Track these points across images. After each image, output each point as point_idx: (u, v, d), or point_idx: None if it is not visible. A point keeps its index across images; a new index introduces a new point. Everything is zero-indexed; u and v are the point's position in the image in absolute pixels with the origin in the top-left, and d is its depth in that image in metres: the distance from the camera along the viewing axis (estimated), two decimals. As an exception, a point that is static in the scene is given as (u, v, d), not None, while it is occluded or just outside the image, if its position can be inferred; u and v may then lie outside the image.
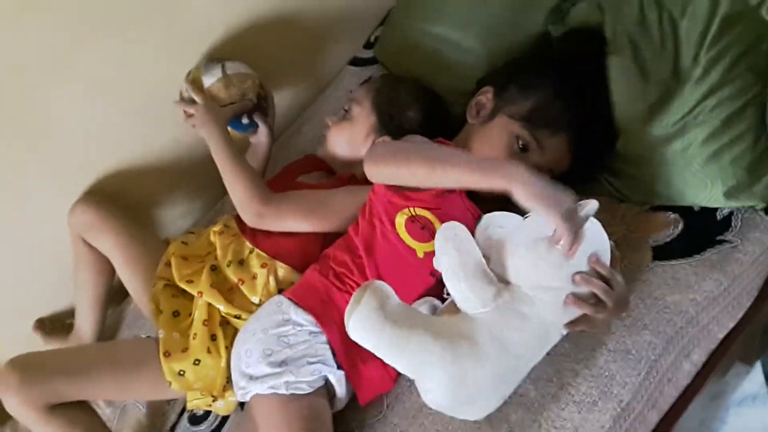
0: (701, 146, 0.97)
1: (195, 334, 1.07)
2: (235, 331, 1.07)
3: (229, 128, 1.21)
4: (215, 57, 1.27)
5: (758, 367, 1.40)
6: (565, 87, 1.03)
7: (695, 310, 0.95)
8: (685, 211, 1.02)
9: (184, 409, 1.18)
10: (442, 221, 0.98)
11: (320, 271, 1.03)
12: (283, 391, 0.94)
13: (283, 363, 0.95)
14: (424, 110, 1.20)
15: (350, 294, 0.99)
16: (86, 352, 1.15)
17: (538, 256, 0.85)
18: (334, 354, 0.99)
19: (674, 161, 0.99)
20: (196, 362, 1.05)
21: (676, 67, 0.98)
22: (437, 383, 0.86)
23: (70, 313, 1.40)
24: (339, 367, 0.98)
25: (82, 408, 1.10)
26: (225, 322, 1.09)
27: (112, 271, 1.28)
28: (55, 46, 1.16)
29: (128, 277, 1.24)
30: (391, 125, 1.18)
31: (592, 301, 0.85)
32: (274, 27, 1.38)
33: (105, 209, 1.26)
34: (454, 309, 0.88)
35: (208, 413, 1.16)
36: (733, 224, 0.99)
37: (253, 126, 1.28)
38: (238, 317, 1.08)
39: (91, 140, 1.28)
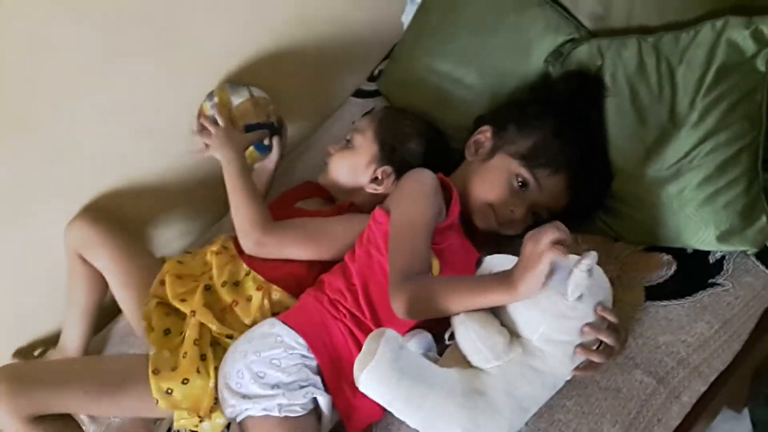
0: (696, 190, 0.99)
1: (185, 353, 1.06)
2: (224, 351, 1.06)
3: (251, 148, 1.23)
4: (237, 81, 1.30)
5: (746, 414, 1.40)
6: (564, 127, 1.06)
7: (686, 352, 0.96)
8: (679, 253, 1.04)
9: (170, 430, 1.17)
10: (441, 258, 1.00)
11: (315, 297, 1.04)
12: (276, 414, 0.94)
13: (275, 386, 0.95)
14: (425, 143, 1.22)
15: (343, 321, 1.00)
16: (75, 364, 1.14)
17: (544, 309, 0.84)
18: (322, 379, 0.99)
19: (669, 203, 1.01)
20: (185, 381, 1.04)
21: (673, 112, 1.01)
22: None
23: (50, 341, 1.39)
24: (327, 390, 0.98)
25: (67, 422, 1.09)
26: (215, 343, 1.08)
27: (105, 287, 1.27)
28: (65, 66, 1.18)
29: (122, 294, 1.23)
30: (393, 156, 1.19)
31: (595, 347, 0.86)
32: (280, 57, 1.41)
33: (102, 226, 1.26)
34: (461, 360, 0.87)
35: (194, 434, 1.14)
36: (725, 268, 1.01)
37: (269, 150, 1.29)
38: (230, 337, 1.07)
39: (95, 158, 1.29)
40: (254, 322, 1.07)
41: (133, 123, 1.29)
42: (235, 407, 0.97)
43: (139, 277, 1.21)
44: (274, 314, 1.07)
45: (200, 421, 1.07)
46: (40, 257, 1.31)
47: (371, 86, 1.52)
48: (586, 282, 0.81)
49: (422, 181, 1.04)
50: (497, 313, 0.88)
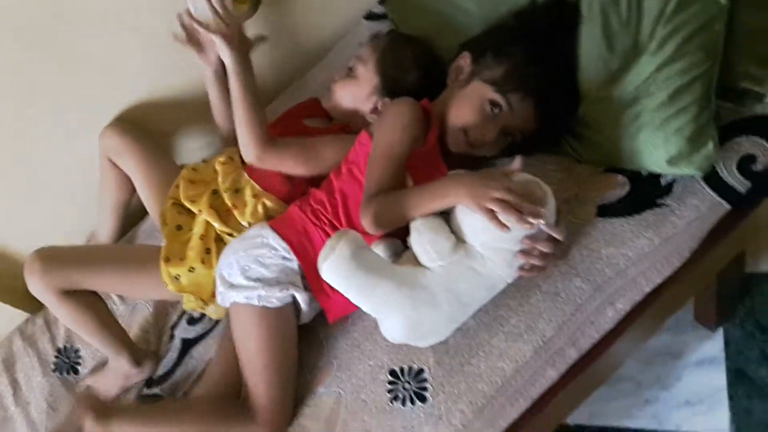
0: (650, 115, 1.04)
1: (192, 246, 1.23)
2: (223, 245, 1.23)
3: None
4: None
5: (720, 333, 1.48)
6: (536, 54, 1.11)
7: (625, 264, 1.05)
8: (634, 175, 1.10)
9: (183, 312, 1.37)
10: (415, 178, 1.11)
11: (300, 207, 1.17)
12: (255, 303, 1.10)
13: (257, 279, 1.11)
14: (423, 76, 1.28)
15: (323, 229, 1.14)
16: (101, 249, 1.34)
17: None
18: (303, 277, 1.13)
19: (626, 127, 1.07)
20: (191, 270, 1.22)
21: (636, 40, 1.05)
22: (397, 325, 0.99)
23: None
24: (306, 289, 1.13)
25: (94, 298, 1.29)
26: (219, 239, 1.25)
27: (132, 188, 1.44)
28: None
29: (146, 195, 1.40)
30: (394, 87, 1.26)
31: (536, 252, 0.97)
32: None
33: (131, 135, 1.41)
34: (415, 260, 1.00)
35: (203, 316, 1.34)
36: (674, 189, 1.07)
37: None
38: (230, 235, 1.23)
39: (124, 70, 1.42)
40: (250, 224, 1.23)
41: (160, 39, 1.38)
42: (223, 294, 1.14)
43: (161, 182, 1.37)
44: (268, 218, 1.22)
45: (205, 305, 1.25)
46: (77, 163, 1.48)
47: (381, 9, 1.58)
48: None
49: (403, 110, 1.13)
50: (449, 221, 1.00)
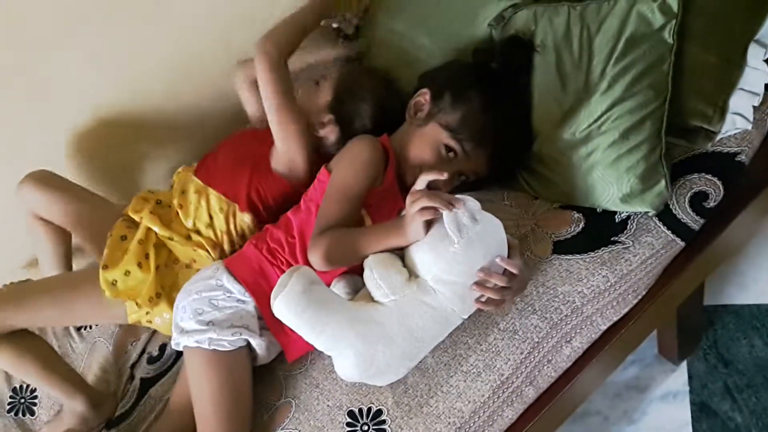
0: (603, 153, 1.06)
1: (130, 249, 1.23)
2: (169, 252, 1.25)
3: None
4: None
5: (684, 367, 1.48)
6: (491, 102, 1.13)
7: (581, 301, 1.05)
8: (589, 212, 1.11)
9: (143, 351, 1.34)
10: (373, 217, 1.11)
11: (256, 245, 1.16)
12: (206, 346, 1.08)
13: (210, 323, 1.09)
14: (376, 108, 1.28)
15: (280, 268, 1.12)
16: (33, 282, 1.31)
17: (438, 254, 0.95)
18: (260, 318, 1.12)
19: (579, 165, 1.08)
20: (127, 273, 1.21)
21: (587, 79, 1.07)
22: (349, 362, 0.97)
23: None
24: (261, 333, 1.11)
25: (34, 339, 1.27)
26: (161, 245, 1.25)
27: (68, 237, 1.41)
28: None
29: (86, 238, 1.36)
30: (341, 110, 1.28)
31: (490, 285, 0.96)
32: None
33: (51, 183, 1.35)
34: (369, 296, 0.99)
35: (161, 354, 1.31)
36: (628, 227, 1.08)
37: None
38: (171, 239, 1.24)
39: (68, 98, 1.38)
40: (193, 224, 1.25)
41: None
42: (176, 339, 1.12)
43: (97, 219, 1.33)
44: (209, 218, 1.24)
45: (147, 314, 1.23)
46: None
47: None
48: (469, 227, 0.92)
49: (364, 149, 1.13)
50: (403, 256, 1.00)
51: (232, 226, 1.26)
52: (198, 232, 1.25)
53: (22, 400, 1.38)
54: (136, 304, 1.21)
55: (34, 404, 1.36)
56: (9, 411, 1.37)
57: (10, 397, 1.39)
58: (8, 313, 1.21)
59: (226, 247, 1.26)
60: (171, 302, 1.20)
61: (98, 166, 1.48)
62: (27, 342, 1.25)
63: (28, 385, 1.38)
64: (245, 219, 1.25)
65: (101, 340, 1.39)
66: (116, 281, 1.21)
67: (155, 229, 1.25)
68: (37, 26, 1.29)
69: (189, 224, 1.25)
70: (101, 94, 1.42)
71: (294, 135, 1.22)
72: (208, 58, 1.48)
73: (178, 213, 1.27)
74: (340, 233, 1.02)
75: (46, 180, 1.35)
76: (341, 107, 1.29)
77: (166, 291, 1.23)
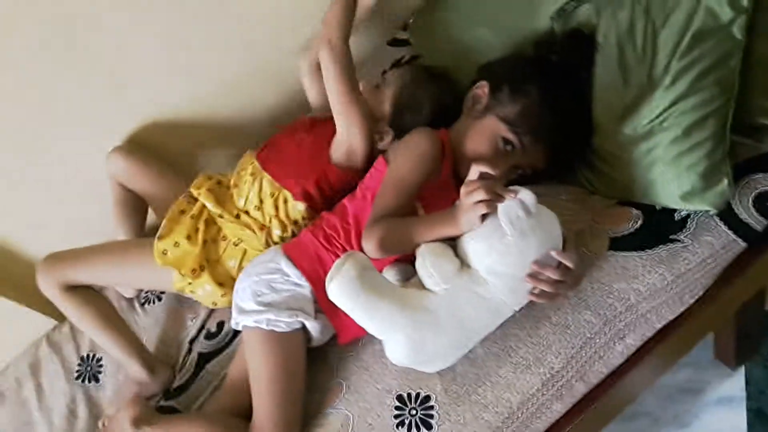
0: (664, 150, 1.04)
1: (182, 222, 1.31)
2: (218, 229, 1.32)
3: None
4: None
5: (741, 372, 1.44)
6: (551, 95, 1.12)
7: (636, 299, 1.04)
8: (648, 209, 1.10)
9: (202, 327, 1.40)
10: (427, 209, 1.12)
11: (312, 232, 1.20)
12: (263, 326, 1.12)
13: (268, 304, 1.13)
14: (434, 111, 1.29)
15: (335, 254, 1.15)
16: (98, 246, 1.39)
17: (490, 245, 0.96)
18: (316, 302, 1.15)
19: (640, 162, 1.07)
20: (176, 244, 1.30)
21: (651, 74, 1.05)
22: (400, 346, 1.00)
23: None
24: (316, 316, 1.15)
25: (96, 296, 1.38)
26: (212, 222, 1.32)
27: (146, 208, 1.50)
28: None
29: (160, 214, 1.43)
30: (401, 121, 1.29)
31: (544, 278, 0.97)
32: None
33: (137, 156, 1.46)
34: (421, 284, 1.01)
35: (220, 331, 1.37)
36: (688, 225, 1.06)
37: None
38: (221, 216, 1.31)
39: (140, 91, 1.46)
40: (244, 204, 1.31)
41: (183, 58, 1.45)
42: (235, 319, 1.17)
43: (171, 199, 1.40)
44: (260, 201, 1.29)
45: (190, 284, 1.30)
46: (89, 179, 1.52)
47: (404, 35, 1.61)
48: (523, 219, 0.93)
49: (423, 142, 1.14)
50: (456, 246, 1.01)
51: (282, 213, 1.30)
52: (247, 213, 1.31)
53: (89, 368, 1.46)
54: (181, 273, 1.29)
55: (100, 372, 1.45)
56: (77, 378, 1.46)
57: (78, 364, 1.48)
58: (67, 268, 1.34)
59: (276, 231, 1.30)
60: (214, 276, 1.29)
61: (169, 152, 1.55)
62: (90, 296, 1.37)
63: (95, 354, 1.47)
64: (299, 207, 1.29)
65: (163, 315, 1.47)
66: (167, 251, 1.30)
67: (208, 205, 1.32)
68: (116, 16, 1.36)
69: (240, 204, 1.32)
70: (174, 83, 1.48)
71: (356, 121, 1.24)
72: (274, 49, 1.52)
73: (233, 194, 1.33)
74: (395, 222, 1.04)
75: (133, 152, 1.47)
76: (401, 119, 1.30)
77: (210, 265, 1.30)
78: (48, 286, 1.34)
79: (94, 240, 1.41)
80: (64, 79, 1.38)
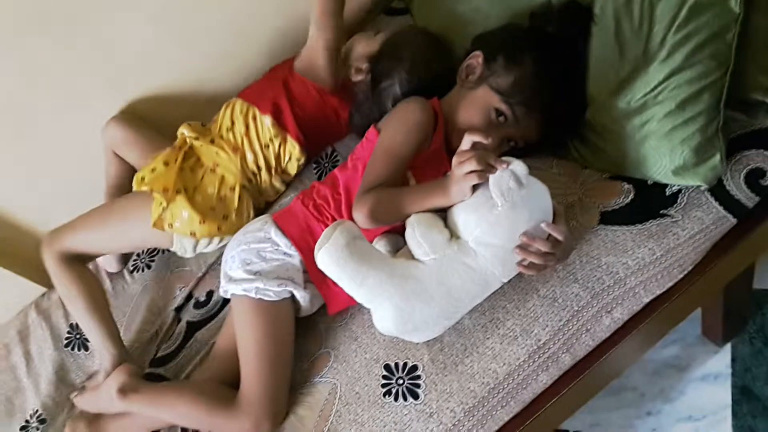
0: (657, 124, 1.03)
1: (163, 152, 1.35)
2: (197, 159, 1.36)
3: None
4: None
5: (728, 349, 1.46)
6: (545, 67, 1.10)
7: (625, 273, 1.04)
8: (639, 183, 1.09)
9: (190, 295, 1.40)
10: (418, 179, 1.11)
11: (302, 201, 1.19)
12: (252, 295, 1.12)
13: (257, 273, 1.13)
14: (410, 75, 1.24)
15: (325, 224, 1.15)
16: (92, 210, 1.39)
17: (480, 215, 0.95)
18: (305, 272, 1.15)
19: (633, 135, 1.06)
20: (153, 170, 1.33)
21: (647, 47, 1.04)
22: (388, 315, 1.00)
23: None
24: (305, 286, 1.15)
25: (92, 279, 1.37)
26: (192, 154, 1.37)
27: None
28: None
29: None
30: (378, 65, 1.29)
31: (533, 249, 0.96)
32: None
33: (133, 127, 1.46)
34: (410, 254, 1.01)
35: (208, 300, 1.37)
36: (679, 200, 1.06)
37: None
38: (196, 139, 1.37)
39: (137, 61, 1.45)
40: (218, 129, 1.38)
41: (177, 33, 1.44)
42: (224, 287, 1.16)
43: None
44: (232, 123, 1.36)
45: (167, 212, 1.31)
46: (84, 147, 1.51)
47: (400, 4, 1.59)
48: (514, 190, 0.92)
49: (415, 111, 1.13)
50: (445, 216, 1.01)
51: (253, 132, 1.35)
52: (221, 137, 1.36)
53: (78, 336, 1.46)
54: (155, 194, 1.30)
55: (88, 341, 1.44)
56: (66, 346, 1.47)
57: (67, 332, 1.48)
58: (64, 236, 1.34)
59: (249, 155, 1.36)
60: (192, 202, 1.31)
61: (164, 123, 1.53)
62: (82, 276, 1.35)
63: (83, 323, 1.47)
64: (266, 123, 1.34)
65: (151, 282, 1.46)
66: (144, 177, 1.32)
67: (185, 132, 1.37)
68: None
69: (215, 130, 1.37)
70: (160, 54, 1.47)
71: (325, 34, 1.30)
72: (259, 17, 1.50)
73: (210, 127, 1.39)
74: (385, 192, 1.03)
75: (129, 122, 1.48)
76: (379, 62, 1.30)
77: (189, 193, 1.32)
78: (48, 256, 1.35)
79: (86, 207, 1.40)
80: (61, 57, 1.38)
